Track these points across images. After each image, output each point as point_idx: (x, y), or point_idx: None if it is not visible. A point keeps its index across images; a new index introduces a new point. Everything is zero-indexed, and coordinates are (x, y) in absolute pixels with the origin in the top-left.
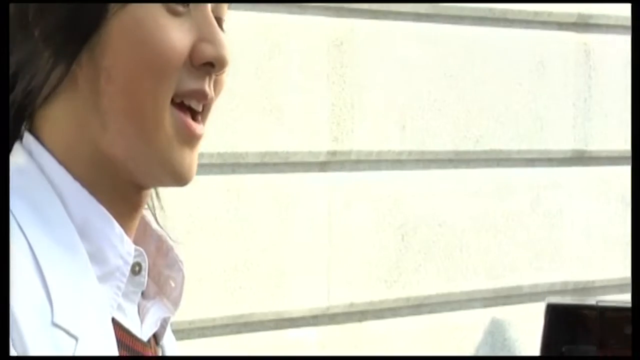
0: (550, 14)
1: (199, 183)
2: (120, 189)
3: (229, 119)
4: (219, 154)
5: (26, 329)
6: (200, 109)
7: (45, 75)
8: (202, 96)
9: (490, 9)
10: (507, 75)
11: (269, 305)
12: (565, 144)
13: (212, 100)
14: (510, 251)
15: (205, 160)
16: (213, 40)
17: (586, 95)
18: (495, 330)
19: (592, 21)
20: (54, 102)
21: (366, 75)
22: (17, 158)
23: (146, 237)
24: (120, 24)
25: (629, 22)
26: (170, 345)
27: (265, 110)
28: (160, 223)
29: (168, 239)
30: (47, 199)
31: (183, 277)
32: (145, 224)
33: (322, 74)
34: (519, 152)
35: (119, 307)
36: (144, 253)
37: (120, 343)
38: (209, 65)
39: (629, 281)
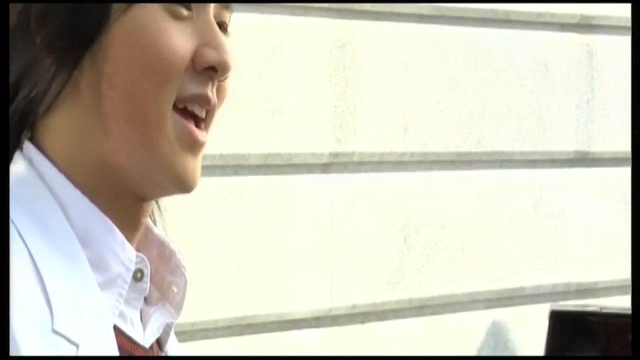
0: (552, 15)
1: (201, 185)
2: (122, 197)
3: (231, 121)
4: (221, 155)
5: (24, 337)
6: (203, 115)
7: (47, 83)
8: (205, 101)
9: (492, 10)
10: (510, 76)
11: (272, 307)
12: (568, 145)
13: (215, 106)
14: (512, 252)
15: (207, 162)
16: (215, 45)
17: (589, 97)
18: (498, 331)
19: (594, 22)
20: (55, 110)
21: (369, 76)
22: (18, 167)
23: (148, 243)
24: (121, 29)
25: None
26: (174, 350)
27: (267, 112)
28: (162, 227)
29: (170, 244)
30: (47, 208)
31: (185, 282)
32: (147, 229)
33: (324, 75)
34: (521, 153)
35: (121, 314)
36: (146, 259)
37: (121, 350)
38: (211, 70)
39: None
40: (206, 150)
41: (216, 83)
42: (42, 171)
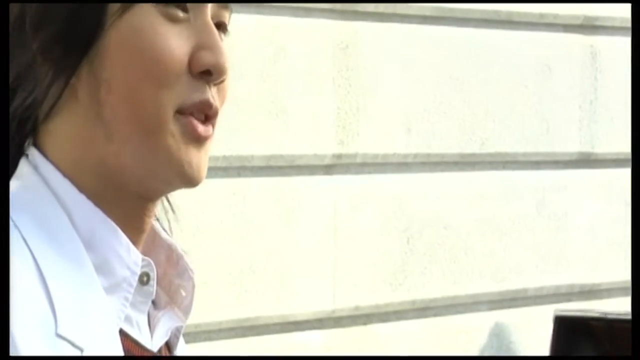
0: (556, 16)
1: (204, 186)
2: (127, 200)
3: (234, 123)
4: (224, 157)
5: (25, 342)
6: (203, 118)
7: (44, 89)
8: (207, 106)
9: (495, 12)
10: (513, 77)
11: (275, 309)
12: (571, 146)
13: (217, 110)
14: (515, 254)
15: (210, 164)
16: (212, 47)
17: (592, 98)
18: (501, 333)
19: (598, 23)
20: (55, 115)
21: (371, 78)
22: (23, 173)
23: (155, 247)
24: (118, 34)
25: None
26: (183, 354)
27: (270, 114)
28: (169, 230)
29: (178, 247)
30: (52, 212)
31: (193, 285)
32: (154, 233)
33: (327, 77)
34: (524, 154)
35: (127, 318)
36: (152, 263)
37: (127, 353)
38: (207, 73)
39: None
40: (209, 151)
41: (215, 86)
42: (47, 177)
